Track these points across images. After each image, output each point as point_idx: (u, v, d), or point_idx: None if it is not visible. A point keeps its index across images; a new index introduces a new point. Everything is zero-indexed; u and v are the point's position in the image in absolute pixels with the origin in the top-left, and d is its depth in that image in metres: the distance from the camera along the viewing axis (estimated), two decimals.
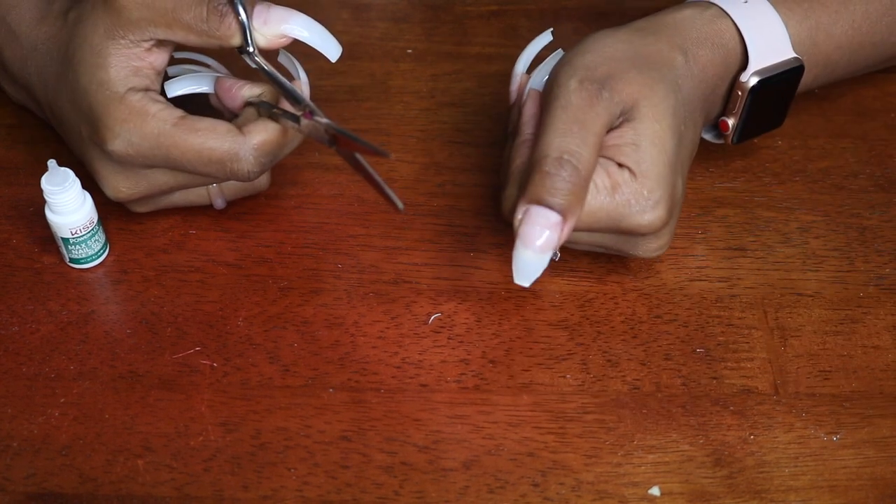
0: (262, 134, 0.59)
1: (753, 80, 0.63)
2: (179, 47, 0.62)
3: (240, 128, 0.59)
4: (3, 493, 0.56)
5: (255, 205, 0.68)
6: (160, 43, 0.60)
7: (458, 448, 0.58)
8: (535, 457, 0.57)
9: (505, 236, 0.66)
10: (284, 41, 0.59)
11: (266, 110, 0.60)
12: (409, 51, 0.77)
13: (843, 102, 0.74)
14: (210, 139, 0.58)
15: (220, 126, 0.59)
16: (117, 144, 0.58)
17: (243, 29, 0.58)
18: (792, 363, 0.61)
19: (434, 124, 0.73)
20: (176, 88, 0.62)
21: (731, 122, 0.65)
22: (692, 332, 0.62)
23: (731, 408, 0.59)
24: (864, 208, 0.68)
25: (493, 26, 0.79)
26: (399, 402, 0.59)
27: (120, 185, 0.62)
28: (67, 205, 0.61)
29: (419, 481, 0.56)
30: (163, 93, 0.62)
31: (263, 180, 0.65)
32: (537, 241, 0.55)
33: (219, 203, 0.66)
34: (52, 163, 0.61)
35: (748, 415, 0.59)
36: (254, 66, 0.59)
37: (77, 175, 0.62)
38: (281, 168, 0.69)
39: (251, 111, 0.61)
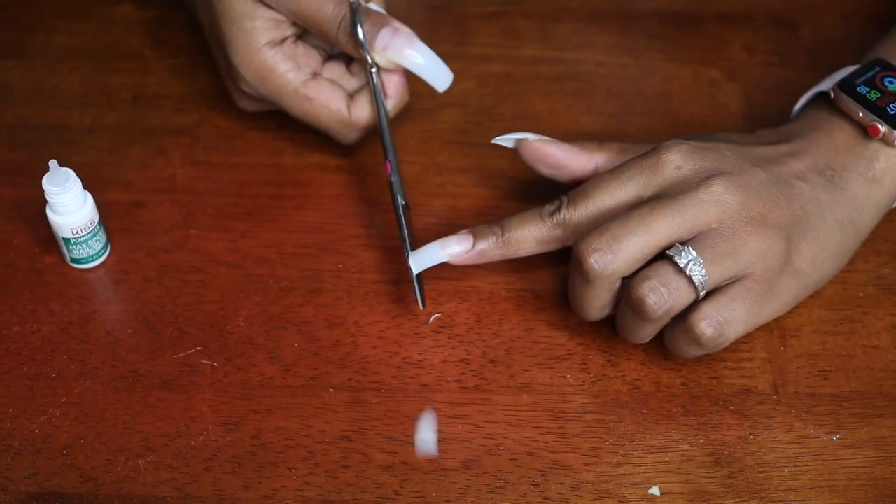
0: (365, 118, 0.65)
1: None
2: None
3: (350, 97, 0.65)
4: (4, 493, 0.56)
5: (255, 204, 0.68)
6: None
7: (459, 448, 0.58)
8: (536, 457, 0.57)
9: None
10: (400, 67, 0.63)
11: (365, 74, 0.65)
12: None
13: None
14: (321, 113, 0.65)
15: (333, 102, 0.65)
16: (245, 87, 0.66)
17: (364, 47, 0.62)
18: (791, 363, 0.61)
19: (434, 124, 0.73)
20: None
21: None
22: None
23: (731, 408, 0.59)
24: None
25: (493, 27, 0.79)
26: (399, 402, 0.59)
27: (245, 105, 0.69)
28: (68, 205, 0.61)
29: (419, 481, 0.56)
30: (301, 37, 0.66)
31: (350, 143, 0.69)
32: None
33: None
34: (53, 163, 0.61)
35: (748, 415, 0.59)
36: (368, 77, 0.64)
37: (78, 175, 0.62)
38: (281, 168, 0.70)
39: (365, 91, 0.65)
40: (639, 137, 0.71)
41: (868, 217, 0.61)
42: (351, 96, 0.65)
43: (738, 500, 0.56)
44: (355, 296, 0.64)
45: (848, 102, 0.61)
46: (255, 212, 0.68)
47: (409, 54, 0.62)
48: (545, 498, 0.56)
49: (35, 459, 0.57)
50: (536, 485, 0.56)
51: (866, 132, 0.61)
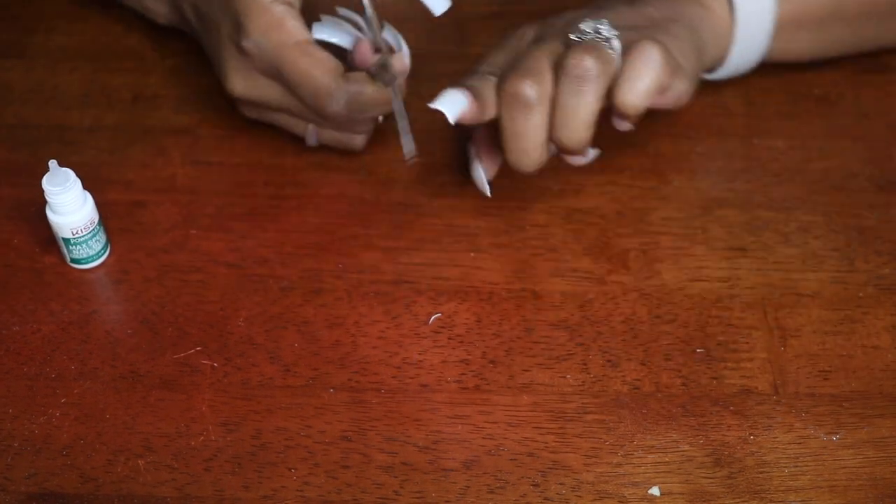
0: (360, 86, 0.64)
1: None
2: None
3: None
4: (4, 493, 0.56)
5: (255, 205, 0.68)
6: None
7: (459, 448, 0.58)
8: (536, 457, 0.57)
9: (507, 237, 0.66)
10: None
11: (374, 73, 0.64)
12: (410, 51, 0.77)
13: (842, 103, 0.74)
14: (316, 68, 0.63)
15: (331, 63, 0.64)
16: (248, 43, 0.64)
17: None
18: (792, 363, 0.61)
19: (435, 125, 0.72)
20: (319, 32, 0.66)
21: None
22: (692, 332, 0.62)
23: (731, 408, 0.59)
24: (864, 209, 0.68)
25: (493, 27, 0.79)
26: (399, 403, 0.59)
27: (237, 83, 0.66)
28: (68, 205, 0.61)
29: (419, 481, 0.56)
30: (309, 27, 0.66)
31: (359, 141, 0.69)
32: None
33: (312, 140, 0.69)
34: (53, 163, 0.61)
35: (748, 415, 0.59)
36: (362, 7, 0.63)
37: (78, 175, 0.62)
38: (281, 168, 0.70)
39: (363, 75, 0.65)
40: (639, 137, 0.71)
41: (706, 35, 0.67)
42: None
43: (738, 500, 0.56)
44: (355, 296, 0.64)
45: None
46: (255, 212, 0.68)
47: None
48: (545, 498, 0.56)
49: (35, 460, 0.57)
50: (536, 485, 0.56)
51: None
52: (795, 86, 0.75)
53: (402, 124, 0.63)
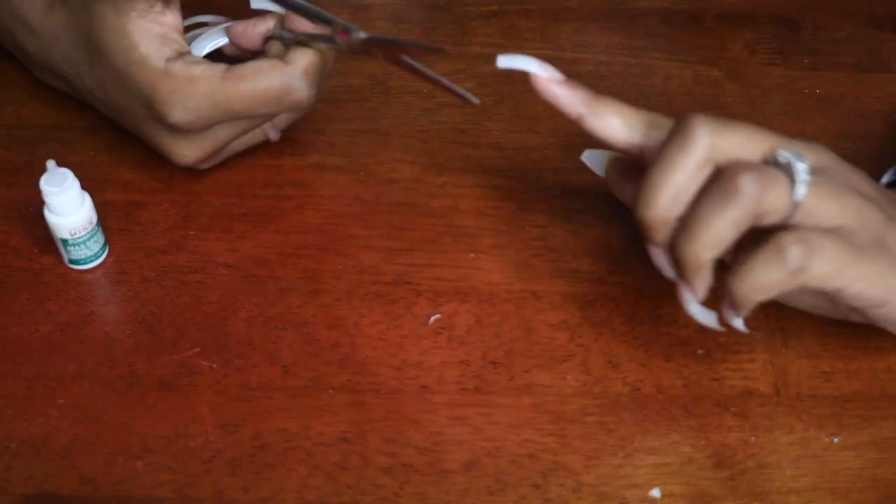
0: (305, 58, 0.60)
1: None
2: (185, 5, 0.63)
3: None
4: (2, 495, 0.56)
5: (254, 205, 0.68)
6: (166, 2, 0.61)
7: (459, 450, 0.57)
8: (536, 458, 0.57)
9: (507, 237, 0.66)
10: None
11: (290, 39, 0.60)
12: None
13: (844, 103, 0.74)
14: (260, 80, 0.59)
15: (264, 64, 0.60)
16: (177, 115, 0.60)
17: None
18: (793, 364, 0.61)
19: (434, 125, 0.72)
20: (201, 49, 0.64)
21: None
22: (693, 333, 0.62)
23: (732, 409, 0.59)
24: None
25: (493, 26, 0.79)
26: (399, 404, 0.59)
27: (185, 152, 0.63)
28: (66, 206, 0.61)
29: (419, 483, 0.56)
30: None
31: (308, 102, 0.64)
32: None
33: (273, 136, 0.68)
34: (51, 163, 0.61)
35: (749, 416, 0.59)
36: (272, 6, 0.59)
37: (76, 175, 0.62)
38: (281, 169, 0.69)
39: (276, 45, 0.61)
40: None
41: None
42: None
43: (739, 502, 0.56)
44: (355, 297, 0.63)
45: None
46: (254, 212, 0.67)
47: None
48: (545, 500, 0.56)
49: (33, 461, 0.57)
50: (537, 487, 0.56)
51: None
52: (795, 86, 0.75)
53: (439, 78, 0.57)
